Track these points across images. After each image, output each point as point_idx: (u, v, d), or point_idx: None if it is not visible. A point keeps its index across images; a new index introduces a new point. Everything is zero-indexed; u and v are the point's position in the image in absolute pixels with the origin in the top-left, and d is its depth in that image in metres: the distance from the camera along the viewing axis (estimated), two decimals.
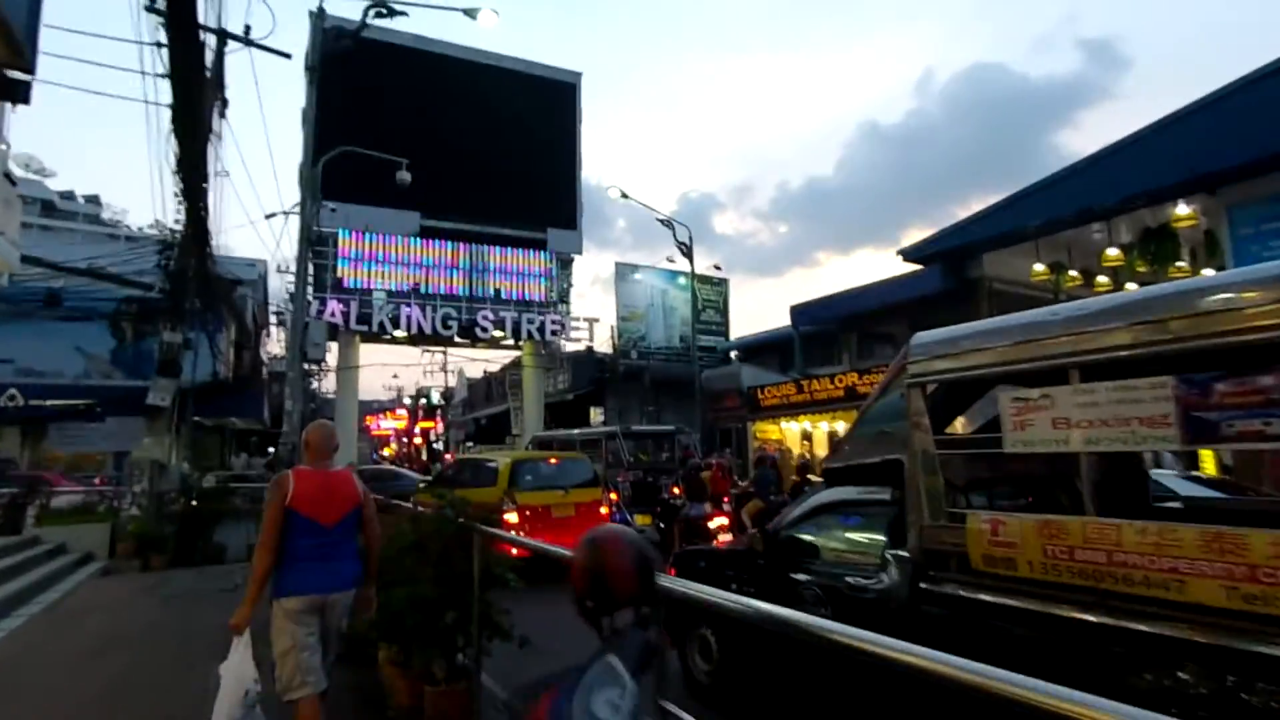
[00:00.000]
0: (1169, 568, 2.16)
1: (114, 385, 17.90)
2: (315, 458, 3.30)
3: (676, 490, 11.96)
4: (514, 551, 3.66)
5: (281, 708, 3.02)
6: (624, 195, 18.54)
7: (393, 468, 21.75)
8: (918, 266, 15.85)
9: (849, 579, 3.47)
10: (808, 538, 3.95)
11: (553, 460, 9.63)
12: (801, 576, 3.79)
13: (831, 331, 19.46)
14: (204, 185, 9.01)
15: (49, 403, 17.37)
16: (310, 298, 12.16)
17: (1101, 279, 14.06)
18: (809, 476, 8.40)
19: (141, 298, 11.42)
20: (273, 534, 3.05)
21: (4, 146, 6.17)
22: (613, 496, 10.14)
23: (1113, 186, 11.32)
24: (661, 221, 18.72)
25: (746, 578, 4.24)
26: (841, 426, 16.55)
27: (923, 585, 2.88)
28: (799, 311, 18.73)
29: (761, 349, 24.96)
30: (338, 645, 3.29)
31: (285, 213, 10.85)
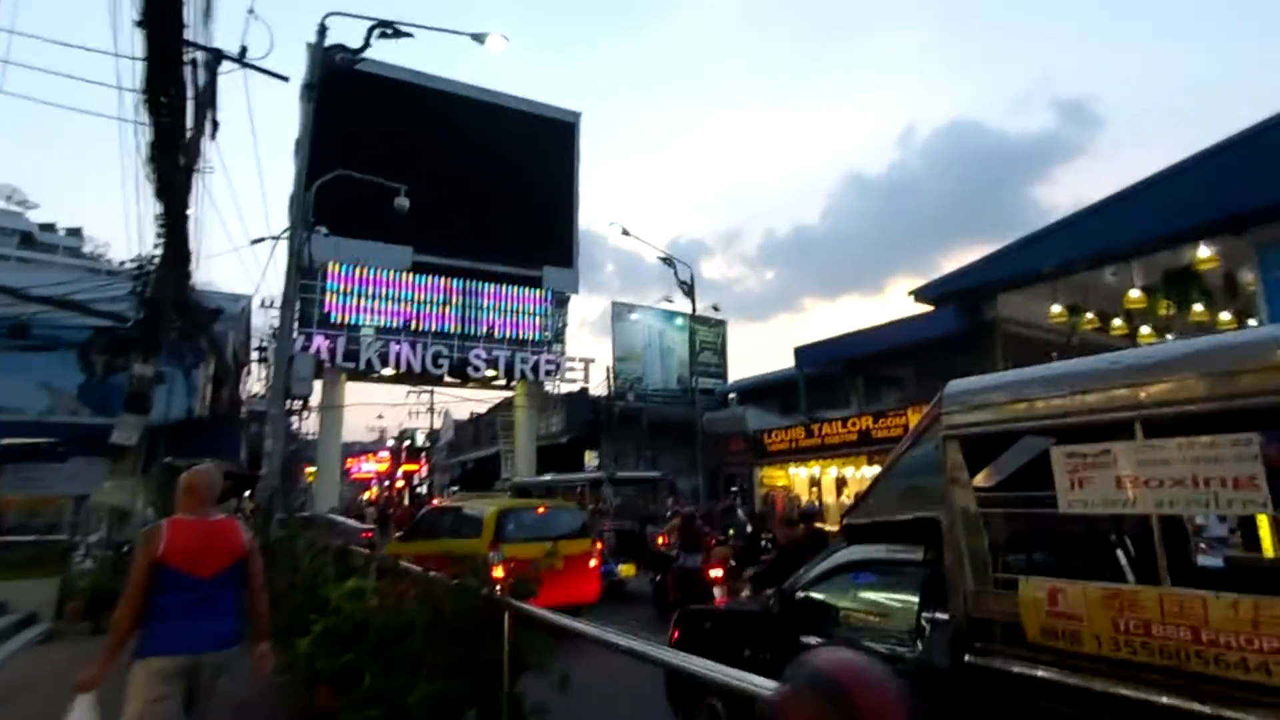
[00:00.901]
0: (1270, 648, 1.96)
1: (80, 423, 17.36)
2: (196, 505, 3.16)
3: (661, 540, 11.71)
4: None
5: None
6: (625, 232, 18.60)
7: (330, 515, 19.98)
8: (928, 308, 15.77)
9: (878, 647, 3.26)
10: (827, 599, 3.76)
11: (540, 510, 9.36)
12: (821, 642, 3.57)
13: (837, 374, 19.30)
14: (183, 202, 8.81)
15: (5, 441, 16.75)
16: (295, 333, 11.89)
17: (1117, 322, 14.02)
18: (818, 525, 8.07)
19: (112, 328, 11.06)
20: (137, 592, 2.90)
21: None
22: (598, 546, 9.81)
23: (1132, 227, 11.34)
24: (663, 259, 18.73)
25: (759, 642, 4.01)
26: (852, 472, 16.22)
27: (967, 658, 2.67)
28: (804, 353, 18.59)
29: (761, 392, 24.75)
30: (205, 706, 3.11)
31: (273, 238, 10.70)
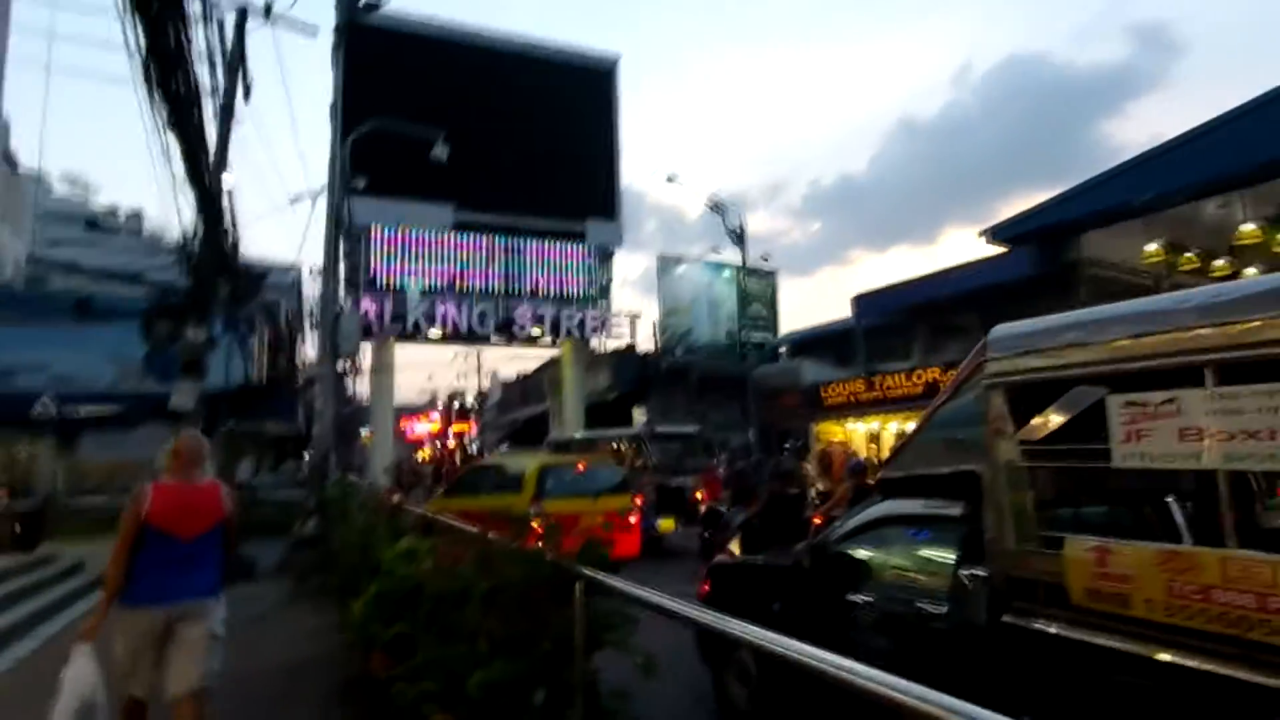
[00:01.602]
0: None
1: (147, 392, 18.02)
2: (182, 469, 3.46)
3: (701, 495, 11.82)
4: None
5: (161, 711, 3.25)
6: (671, 179, 17.91)
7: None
8: (1000, 250, 14.74)
9: (912, 604, 3.25)
10: (861, 554, 3.70)
11: (580, 466, 9.54)
12: (854, 598, 3.54)
13: (898, 324, 18.47)
14: (210, 163, 8.65)
15: (81, 410, 17.51)
16: (341, 294, 11.84)
17: (1220, 262, 12.81)
18: (868, 482, 7.69)
19: (165, 297, 11.19)
20: (124, 548, 3.25)
21: (4, 121, 5.86)
22: (637, 501, 9.91)
23: (1246, 152, 10.14)
24: (712, 207, 18.04)
25: (790, 597, 3.99)
26: (895, 427, 15.56)
27: (1006, 619, 2.61)
28: (863, 302, 17.82)
29: (814, 345, 24.04)
30: (211, 654, 3.41)
31: (312, 195, 10.54)
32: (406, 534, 5.46)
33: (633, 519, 9.02)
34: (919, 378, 13.85)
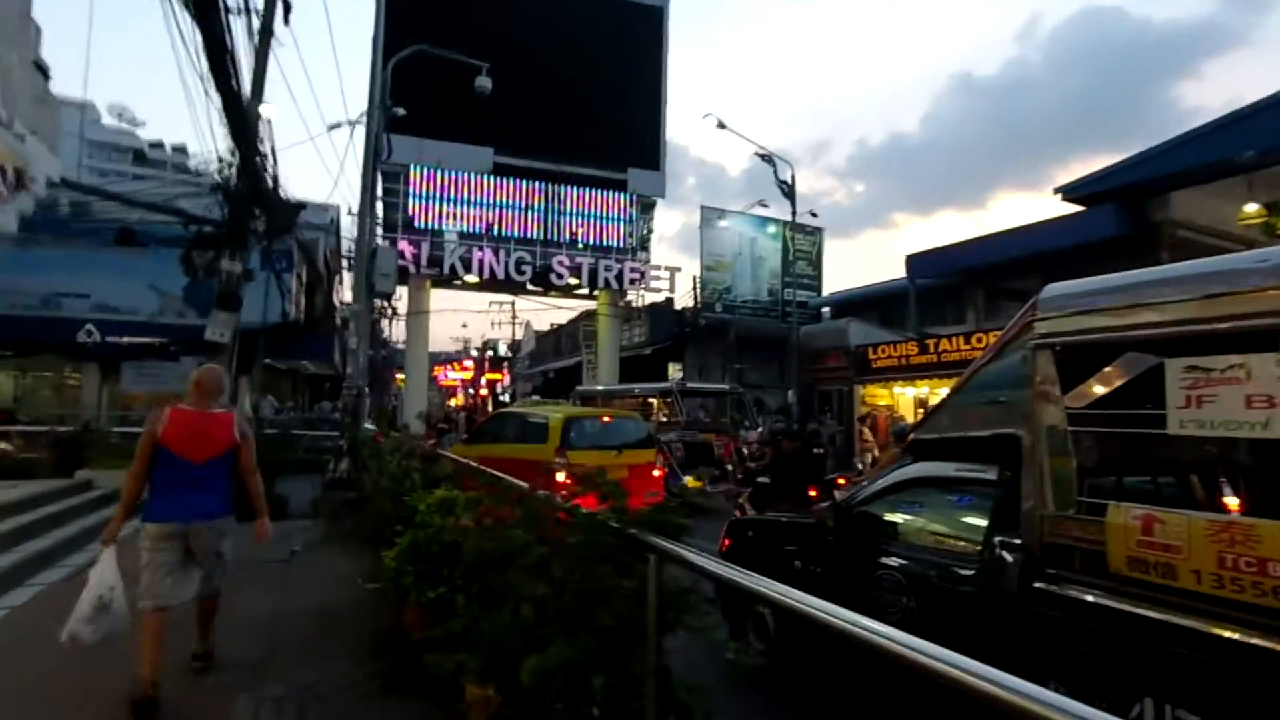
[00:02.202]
0: None
1: (187, 324, 18.07)
2: (200, 398, 3.71)
3: (724, 453, 11.92)
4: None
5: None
6: (721, 125, 16.91)
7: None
8: (1076, 208, 13.61)
9: (939, 567, 3.22)
10: (887, 515, 3.71)
11: (605, 418, 9.47)
12: (879, 559, 3.51)
13: (951, 286, 17.52)
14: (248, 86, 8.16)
15: (125, 340, 17.58)
16: (379, 233, 11.36)
17: None
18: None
19: (201, 228, 10.85)
20: (140, 463, 3.57)
21: (35, 25, 5.37)
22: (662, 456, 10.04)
23: None
24: (761, 156, 17.09)
25: (812, 555, 3.96)
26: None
27: (1038, 585, 2.59)
28: (917, 262, 16.86)
29: (859, 306, 23.16)
30: (217, 569, 3.83)
31: (350, 123, 10.03)
32: (442, 482, 5.06)
33: (657, 473, 8.90)
34: (979, 341, 13.00)
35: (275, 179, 11.26)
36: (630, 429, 9.39)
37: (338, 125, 10.20)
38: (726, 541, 4.76)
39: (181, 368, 17.64)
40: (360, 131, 10.19)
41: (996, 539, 2.91)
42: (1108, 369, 3.17)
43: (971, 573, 3.02)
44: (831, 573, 3.75)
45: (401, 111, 10.86)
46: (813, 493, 7.14)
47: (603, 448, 8.49)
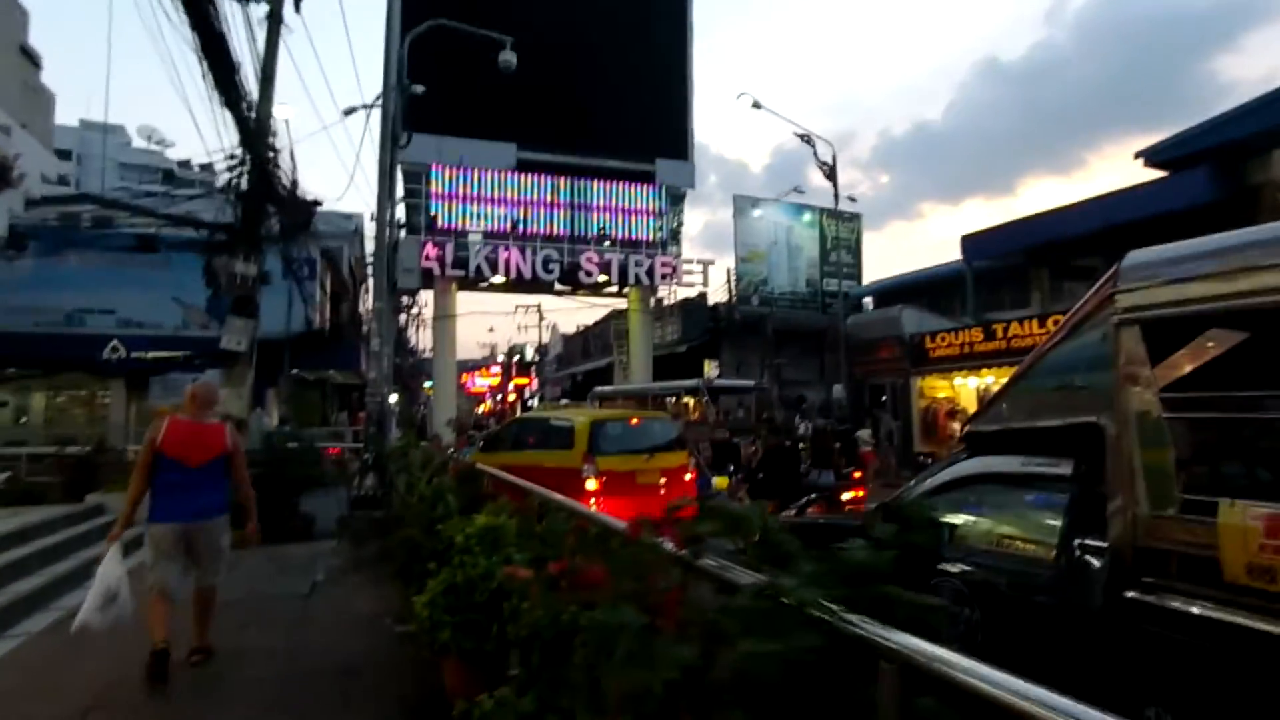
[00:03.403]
0: None
1: (212, 337, 17.46)
2: (196, 409, 4.17)
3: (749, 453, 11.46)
4: None
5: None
6: (756, 105, 15.87)
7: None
8: (1159, 174, 12.30)
9: (1007, 574, 2.87)
10: (940, 516, 3.30)
11: (634, 420, 9.00)
12: (934, 565, 3.08)
13: (1013, 267, 16.17)
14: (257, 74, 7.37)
15: (150, 354, 17.12)
16: (401, 223, 10.50)
17: None
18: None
19: (212, 233, 10.17)
20: (142, 469, 3.99)
21: (20, 14, 4.59)
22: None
23: None
24: (801, 137, 16.07)
25: None
26: None
27: (1130, 595, 2.23)
28: (974, 242, 15.57)
29: (902, 294, 21.76)
30: (216, 563, 4.18)
31: (366, 107, 9.22)
32: (483, 504, 4.12)
33: (688, 476, 8.49)
34: (1054, 324, 11.72)
35: (290, 176, 10.55)
36: (660, 431, 8.90)
37: (353, 110, 9.45)
38: None
39: (207, 380, 17.14)
40: (376, 117, 9.40)
41: (1076, 542, 2.62)
42: (1204, 344, 2.76)
43: (1046, 581, 2.71)
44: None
45: (420, 89, 10.00)
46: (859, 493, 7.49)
47: (632, 452, 8.11)
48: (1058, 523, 2.76)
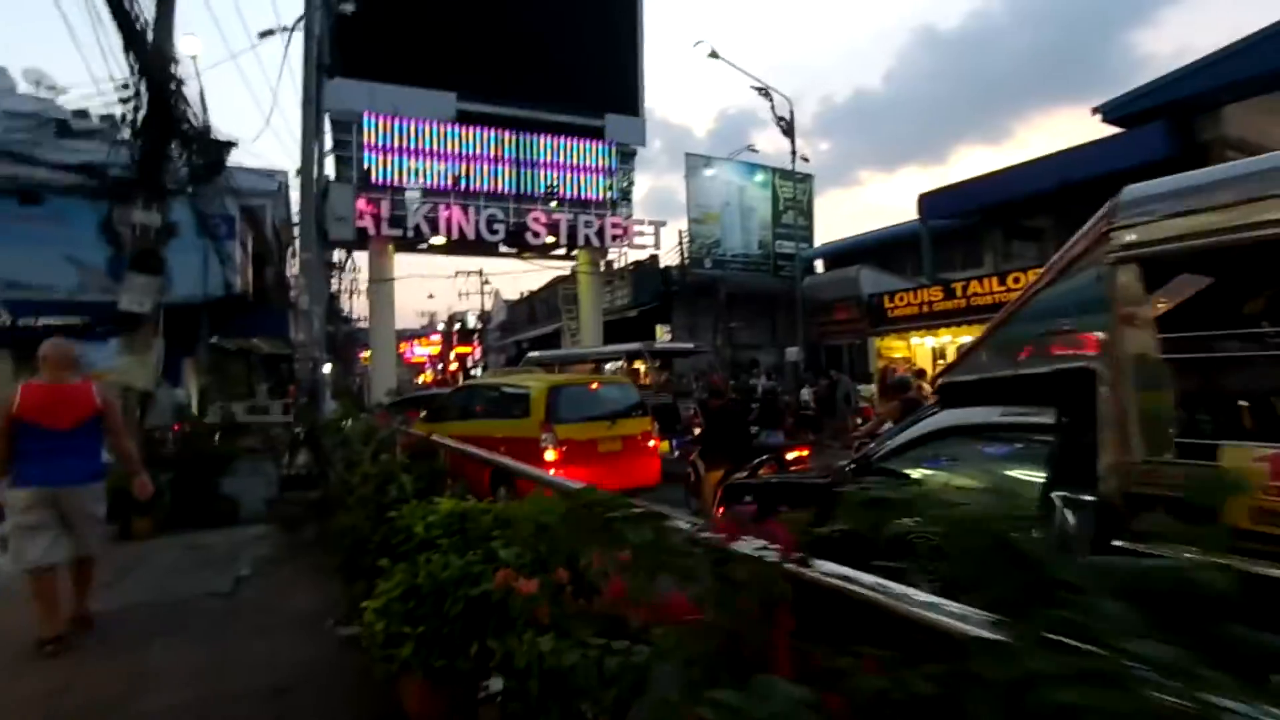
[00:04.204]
0: None
1: (113, 301, 15.64)
2: (52, 371, 3.93)
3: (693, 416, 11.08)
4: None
5: None
6: (714, 55, 15.07)
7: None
8: (1114, 130, 12.25)
9: None
10: (913, 472, 3.32)
11: (594, 385, 8.67)
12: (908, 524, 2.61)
13: (967, 227, 16.12)
14: None
15: (40, 321, 15.27)
16: (327, 158, 9.30)
17: None
18: (909, 397, 7.08)
19: (103, 174, 8.83)
20: (1, 439, 3.75)
21: None
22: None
23: None
24: (759, 90, 15.34)
25: (823, 520, 2.94)
26: None
27: (1119, 543, 2.07)
28: (931, 201, 15.38)
29: (854, 255, 21.67)
30: (91, 531, 4.02)
31: (285, 29, 7.93)
32: (441, 484, 3.40)
33: (651, 443, 8.19)
34: (1015, 283, 11.64)
35: (199, 113, 9.16)
36: (621, 396, 8.47)
37: (270, 33, 8.13)
38: (720, 507, 4.36)
39: (110, 349, 15.43)
40: (297, 46, 8.12)
41: (1058, 494, 2.47)
42: (1218, 281, 2.63)
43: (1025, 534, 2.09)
44: (849, 540, 2.88)
45: (350, 7, 8.77)
46: (803, 451, 7.26)
47: (593, 419, 7.71)
48: (1039, 474, 2.64)
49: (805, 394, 14.15)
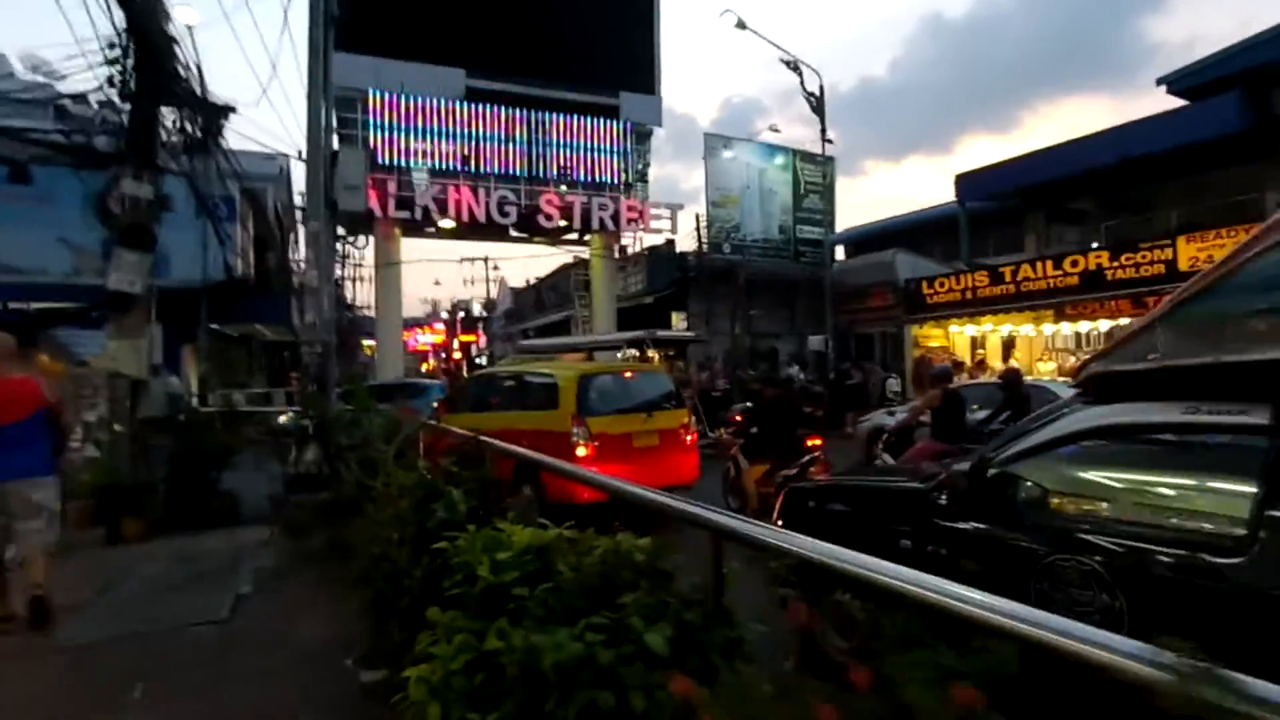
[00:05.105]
0: None
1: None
2: None
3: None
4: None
5: None
6: (741, 25, 14.19)
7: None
8: (1180, 103, 11.39)
9: (1171, 555, 2.26)
10: (1052, 479, 2.79)
11: (628, 374, 7.93)
12: (1050, 540, 2.51)
13: (1005, 210, 15.27)
14: None
15: (33, 306, 14.52)
16: (333, 118, 8.43)
17: None
18: (949, 388, 6.69)
19: (88, 144, 8.07)
20: None
21: None
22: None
23: None
24: (787, 63, 14.40)
25: (930, 535, 2.88)
26: (1029, 330, 12.69)
27: None
28: (969, 182, 14.51)
29: (878, 241, 20.84)
30: (38, 521, 3.89)
31: None
32: (502, 497, 2.64)
33: (690, 438, 7.44)
34: (1072, 266, 10.80)
35: (193, 74, 8.34)
36: (655, 384, 7.75)
37: None
38: (779, 516, 3.77)
39: (105, 335, 14.74)
40: (296, 9, 7.32)
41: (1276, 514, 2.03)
42: None
43: (1234, 562, 2.10)
44: (965, 556, 2.75)
45: None
46: (816, 440, 6.88)
47: (628, 410, 7.00)
48: (1248, 488, 2.25)
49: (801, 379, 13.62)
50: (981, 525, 2.78)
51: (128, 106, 7.64)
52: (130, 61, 7.29)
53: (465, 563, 2.09)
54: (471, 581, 2.03)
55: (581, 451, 6.55)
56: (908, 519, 3.08)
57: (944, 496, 2.98)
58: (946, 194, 15.35)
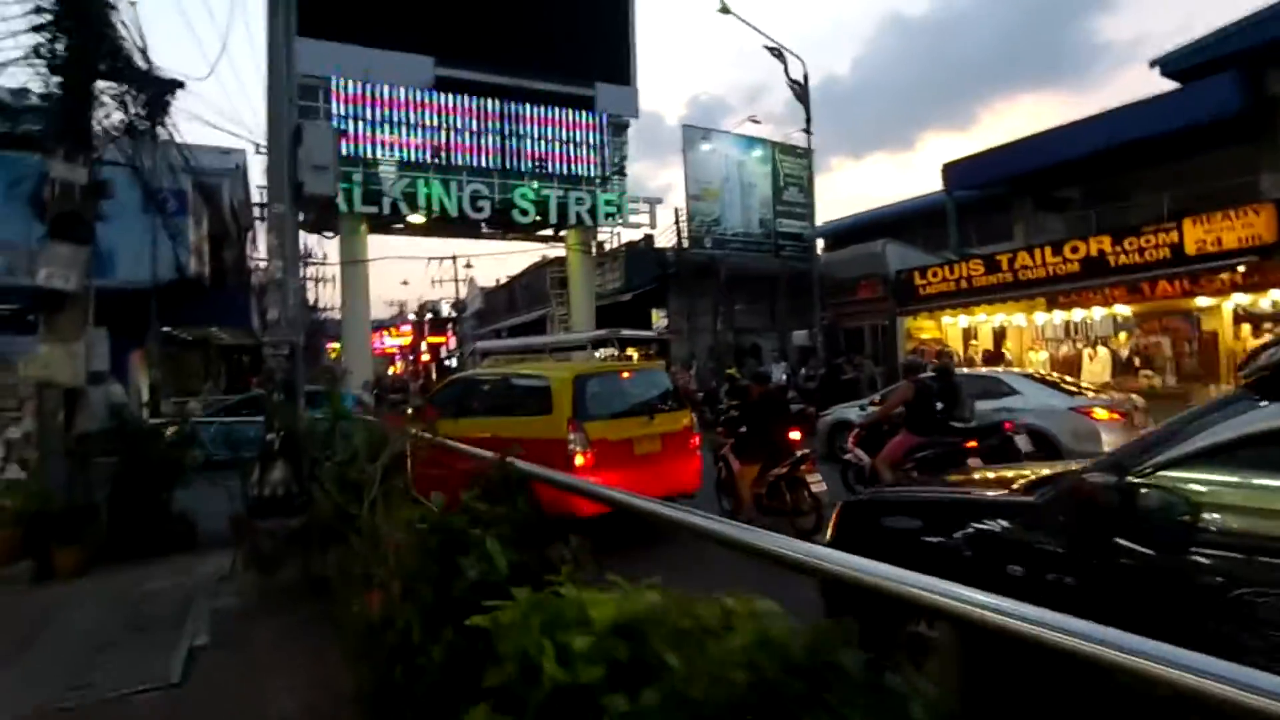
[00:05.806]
0: None
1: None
2: None
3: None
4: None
5: None
6: (724, 9, 13.64)
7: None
8: (1171, 86, 11.20)
9: None
10: (1226, 491, 2.21)
11: (625, 374, 7.38)
12: (1231, 571, 2.00)
13: (992, 199, 15.02)
14: None
15: None
16: (294, 95, 7.55)
17: None
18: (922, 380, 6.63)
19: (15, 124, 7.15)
20: None
21: None
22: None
23: None
24: (771, 50, 13.91)
25: (1050, 559, 2.38)
26: (1022, 320, 12.43)
27: None
28: (956, 171, 14.22)
29: (858, 234, 20.52)
30: None
31: None
32: (550, 541, 2.00)
33: (694, 442, 6.90)
34: (1073, 252, 10.52)
35: (135, 42, 7.41)
36: (654, 384, 7.18)
37: None
38: (835, 531, 3.20)
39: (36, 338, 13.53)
40: None
41: None
42: None
43: None
44: (1111, 587, 2.22)
45: None
46: (796, 434, 6.59)
47: (628, 414, 6.46)
48: None
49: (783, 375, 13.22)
50: (1137, 548, 2.25)
51: (57, 79, 6.72)
52: (59, 24, 6.39)
53: (520, 649, 1.43)
54: (531, 679, 1.38)
55: (579, 461, 5.94)
56: (1018, 542, 2.59)
57: (1077, 514, 2.42)
58: (910, 189, 15.28)
